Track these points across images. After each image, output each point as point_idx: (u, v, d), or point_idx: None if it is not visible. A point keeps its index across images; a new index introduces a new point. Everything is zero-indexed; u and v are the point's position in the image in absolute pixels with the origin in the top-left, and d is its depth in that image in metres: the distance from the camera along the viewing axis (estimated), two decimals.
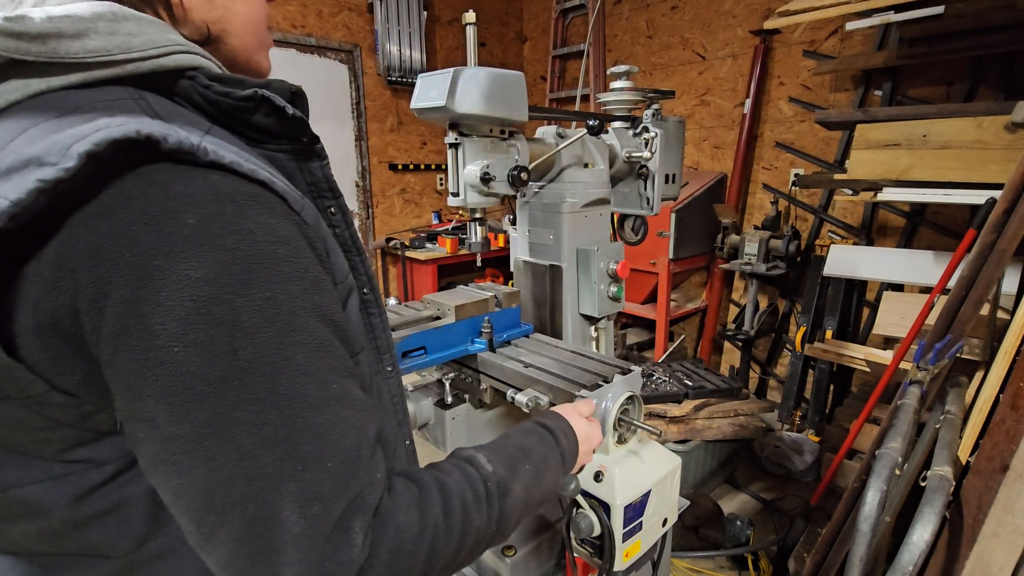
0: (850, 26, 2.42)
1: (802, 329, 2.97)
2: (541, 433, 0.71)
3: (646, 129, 1.35)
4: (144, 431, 0.41)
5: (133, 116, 0.41)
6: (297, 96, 0.54)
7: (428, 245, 4.05)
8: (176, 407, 0.39)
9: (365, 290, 0.60)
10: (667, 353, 3.43)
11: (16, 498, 0.45)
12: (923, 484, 1.15)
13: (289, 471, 0.41)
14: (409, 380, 1.16)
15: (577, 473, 0.80)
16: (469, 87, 0.89)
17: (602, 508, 0.89)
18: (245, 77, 0.52)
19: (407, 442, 0.70)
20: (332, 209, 0.58)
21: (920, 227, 2.77)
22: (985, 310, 1.55)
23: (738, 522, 2.24)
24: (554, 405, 0.97)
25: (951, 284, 1.65)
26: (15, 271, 0.39)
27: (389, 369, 0.66)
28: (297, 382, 0.43)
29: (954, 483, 1.16)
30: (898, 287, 2.72)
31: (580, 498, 0.90)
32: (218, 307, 0.40)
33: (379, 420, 0.51)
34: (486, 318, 1.14)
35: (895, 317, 2.44)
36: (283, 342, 0.42)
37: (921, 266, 2.52)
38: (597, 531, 0.90)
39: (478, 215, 1.07)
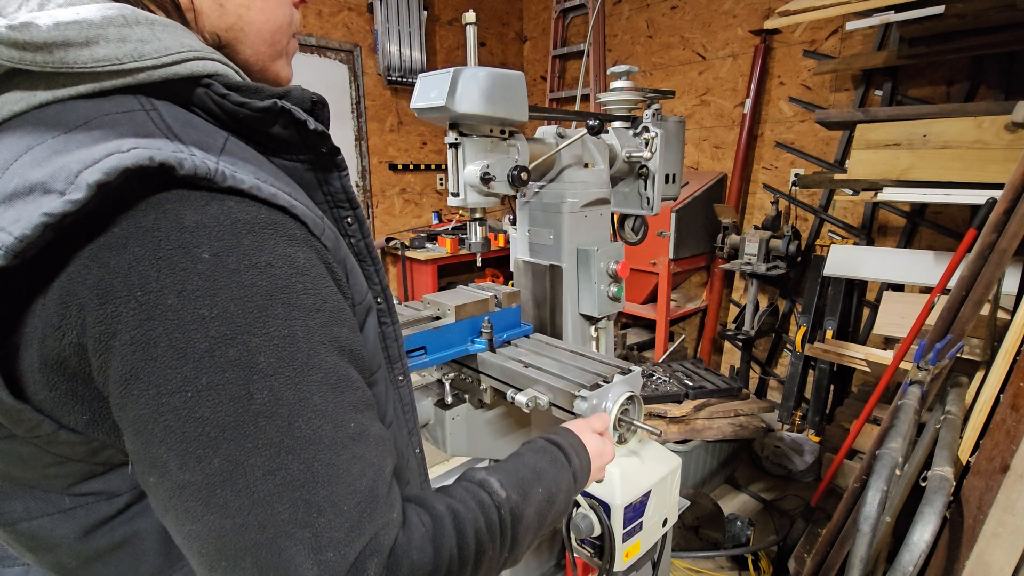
0: (850, 26, 2.42)
1: (802, 329, 2.97)
2: (554, 453, 0.69)
3: (646, 129, 1.35)
4: (155, 476, 0.39)
5: (146, 137, 0.39)
6: (318, 105, 0.51)
7: (428, 245, 4.05)
8: (188, 454, 0.38)
9: (379, 299, 0.60)
10: (667, 353, 3.43)
11: (25, 531, 0.44)
12: (923, 484, 1.15)
13: (304, 517, 0.40)
14: None
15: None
16: (469, 87, 0.89)
17: (602, 508, 0.89)
18: (263, 86, 0.49)
19: (417, 450, 0.69)
20: (349, 219, 0.57)
21: (920, 227, 2.77)
22: (985, 310, 1.55)
23: (738, 522, 2.24)
24: (554, 405, 0.97)
25: (951, 284, 1.65)
26: (20, 308, 0.37)
27: (401, 379, 0.64)
28: (314, 423, 0.41)
29: (954, 483, 1.16)
30: (898, 287, 2.72)
31: (580, 498, 0.90)
32: (233, 349, 0.38)
33: (395, 452, 0.50)
34: (486, 318, 1.14)
35: (895, 317, 2.44)
36: (300, 382, 0.41)
37: (921, 266, 2.52)
38: (597, 531, 0.90)
39: (478, 215, 1.07)
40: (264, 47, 0.56)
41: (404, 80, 4.02)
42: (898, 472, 1.22)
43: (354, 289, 0.52)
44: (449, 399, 1.17)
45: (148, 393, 0.37)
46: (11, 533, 0.44)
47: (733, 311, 3.67)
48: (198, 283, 0.37)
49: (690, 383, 2.70)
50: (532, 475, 0.62)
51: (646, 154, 1.33)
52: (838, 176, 2.46)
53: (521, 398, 0.97)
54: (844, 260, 2.75)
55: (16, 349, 0.37)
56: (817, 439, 2.89)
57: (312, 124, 0.50)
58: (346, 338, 0.46)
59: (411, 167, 4.39)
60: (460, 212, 4.41)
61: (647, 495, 0.92)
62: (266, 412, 0.39)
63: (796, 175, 3.13)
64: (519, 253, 1.35)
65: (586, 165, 1.27)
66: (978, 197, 1.95)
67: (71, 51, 0.40)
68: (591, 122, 1.08)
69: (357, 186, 4.18)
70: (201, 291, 0.37)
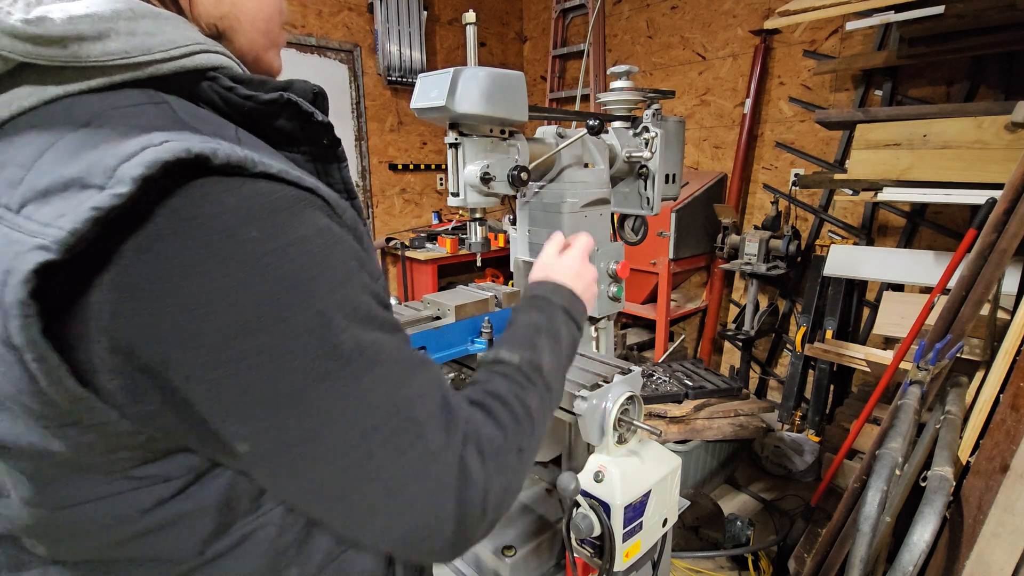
0: (850, 26, 2.42)
1: (802, 329, 2.97)
2: (537, 303, 0.72)
3: (646, 129, 1.35)
4: (254, 446, 0.41)
5: (167, 130, 0.40)
6: (319, 97, 0.52)
7: (428, 245, 4.05)
8: (288, 415, 0.40)
9: None
10: (667, 353, 3.43)
11: (82, 514, 0.44)
12: (923, 484, 1.15)
13: (412, 434, 0.45)
14: None
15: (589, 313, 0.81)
16: (469, 87, 0.89)
17: (602, 508, 0.89)
18: (267, 78, 0.50)
19: None
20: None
21: (920, 227, 2.77)
22: (985, 310, 1.55)
23: (738, 522, 2.24)
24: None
25: (951, 284, 1.65)
26: (77, 300, 0.37)
27: None
28: (392, 359, 0.46)
29: (954, 483, 1.16)
30: (898, 287, 2.72)
31: (580, 498, 0.90)
32: (304, 314, 0.40)
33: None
34: (486, 318, 1.14)
35: (895, 317, 2.44)
36: (369, 329, 0.45)
37: (921, 266, 2.52)
38: (597, 531, 0.90)
39: (478, 215, 1.07)
40: (258, 36, 0.56)
41: (404, 80, 4.02)
42: (898, 472, 1.22)
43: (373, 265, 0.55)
44: None
45: (229, 372, 0.39)
46: (54, 518, 0.44)
47: (733, 311, 3.67)
48: (254, 260, 0.39)
49: (690, 383, 2.70)
50: (530, 330, 0.67)
51: (646, 154, 1.33)
52: (838, 176, 2.46)
53: None
54: (844, 260, 2.75)
55: (80, 340, 0.38)
56: (817, 439, 2.89)
57: (319, 116, 0.51)
58: (384, 294, 0.50)
59: (411, 167, 4.39)
60: (460, 212, 4.41)
61: (647, 495, 0.92)
62: (353, 358, 0.43)
63: (796, 175, 3.13)
64: (519, 253, 1.35)
65: (586, 165, 1.27)
66: (978, 197, 1.95)
67: (84, 45, 0.40)
68: (591, 122, 1.08)
69: (357, 186, 4.18)
70: (259, 267, 0.39)
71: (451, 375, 1.18)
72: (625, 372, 1.01)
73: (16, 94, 0.41)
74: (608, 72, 1.39)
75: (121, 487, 0.44)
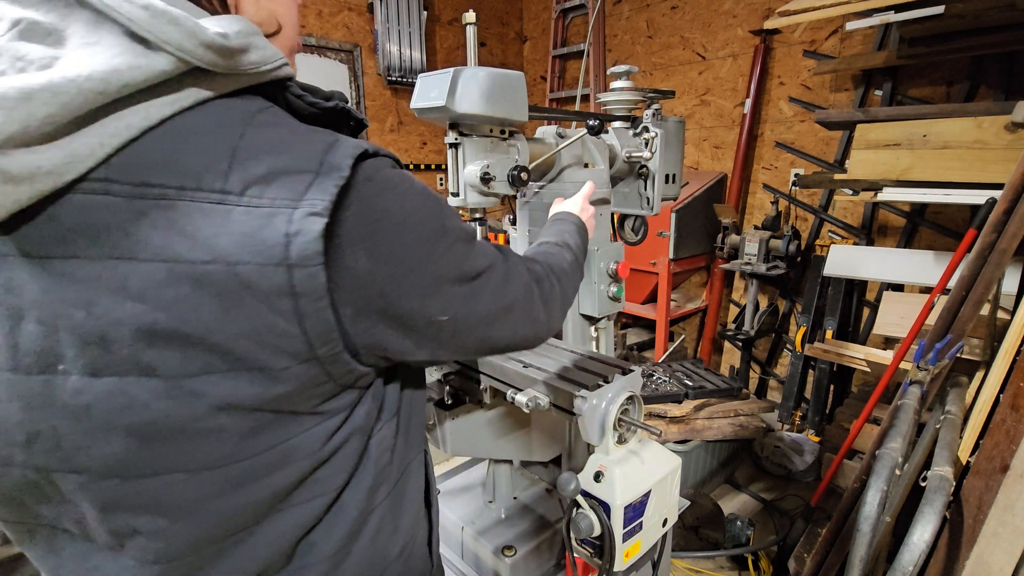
0: (850, 26, 2.42)
1: (802, 329, 2.97)
2: (559, 217, 1.03)
3: (646, 129, 1.35)
4: (447, 316, 0.57)
5: (308, 130, 0.52)
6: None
7: None
8: (463, 284, 0.58)
9: None
10: (667, 353, 3.43)
11: (282, 451, 0.52)
12: (923, 484, 1.15)
13: (529, 285, 0.70)
14: None
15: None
16: (469, 87, 0.89)
17: (602, 508, 0.89)
18: (318, 88, 0.59)
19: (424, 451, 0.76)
20: None
21: (920, 227, 2.77)
22: (985, 310, 1.55)
23: (738, 522, 2.24)
24: (554, 405, 0.97)
25: (951, 284, 1.65)
26: (330, 262, 0.48)
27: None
28: (495, 248, 0.68)
29: (954, 483, 1.16)
30: (898, 287, 2.72)
31: (580, 498, 0.90)
32: (450, 221, 0.58)
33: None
34: None
35: (895, 317, 2.44)
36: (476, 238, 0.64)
37: (921, 266, 2.52)
38: (597, 531, 0.90)
39: (478, 215, 1.07)
40: (288, 42, 0.62)
41: (404, 80, 4.02)
42: (898, 472, 1.22)
43: None
44: (449, 399, 1.17)
45: (432, 263, 0.55)
46: (272, 454, 0.52)
47: (733, 311, 3.67)
48: (424, 194, 0.56)
49: (690, 383, 2.70)
50: (559, 227, 0.99)
51: (646, 154, 1.33)
52: (838, 176, 2.46)
53: (521, 398, 0.97)
54: (844, 260, 2.75)
55: (337, 299, 0.49)
56: (817, 439, 2.89)
57: (367, 122, 0.63)
58: None
59: (411, 167, 4.39)
60: (460, 212, 4.40)
61: (647, 495, 0.92)
62: (472, 239, 0.62)
63: (796, 175, 3.13)
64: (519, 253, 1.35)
65: (586, 165, 1.27)
66: (978, 197, 1.95)
67: (239, 56, 0.48)
68: (591, 122, 1.08)
69: None
70: (427, 198, 0.56)
71: (451, 375, 1.19)
72: (625, 372, 1.01)
73: (184, 95, 0.46)
74: (608, 72, 1.39)
75: (309, 423, 0.53)
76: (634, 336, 3.89)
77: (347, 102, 0.61)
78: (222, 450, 0.50)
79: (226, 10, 0.54)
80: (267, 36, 0.58)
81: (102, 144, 0.43)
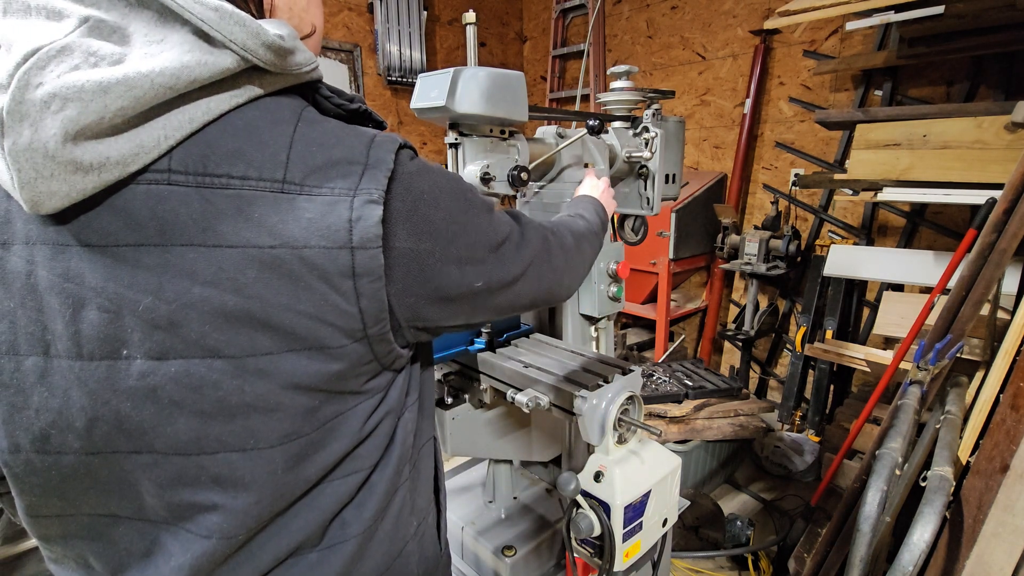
0: (850, 26, 2.42)
1: (802, 329, 2.97)
2: (580, 199, 1.06)
3: (646, 129, 1.35)
4: (482, 282, 0.61)
5: (351, 127, 0.55)
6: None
7: None
8: (492, 252, 0.63)
9: None
10: (667, 353, 3.43)
11: (331, 428, 0.55)
12: (923, 484, 1.15)
13: (547, 236, 0.76)
14: None
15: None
16: (469, 87, 0.89)
17: (602, 508, 0.89)
18: (342, 90, 0.61)
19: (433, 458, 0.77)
20: None
21: (920, 227, 2.77)
22: (985, 310, 1.55)
23: (738, 522, 2.24)
24: (554, 405, 0.97)
25: (951, 284, 1.65)
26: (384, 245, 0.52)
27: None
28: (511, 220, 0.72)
29: (954, 483, 1.16)
30: (898, 287, 2.72)
31: (580, 498, 0.90)
32: (476, 198, 0.63)
33: None
34: None
35: (895, 317, 2.44)
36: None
37: (921, 266, 2.52)
38: (597, 531, 0.90)
39: None
40: (317, 45, 0.66)
41: (404, 80, 4.01)
42: (898, 472, 1.22)
43: None
44: (449, 399, 1.17)
45: (467, 234, 0.59)
46: (320, 432, 0.54)
47: (733, 311, 3.67)
48: (454, 178, 0.61)
49: (690, 383, 2.70)
50: (580, 205, 1.03)
51: (646, 154, 1.33)
52: (838, 176, 2.46)
53: (521, 398, 0.97)
54: (844, 260, 2.75)
55: (389, 272, 0.53)
56: (817, 439, 2.89)
57: (386, 124, 0.65)
58: None
59: None
60: None
61: (647, 495, 0.92)
62: (506, 220, 0.68)
63: (796, 175, 3.13)
64: None
65: (586, 165, 1.27)
66: (978, 197, 1.95)
67: (289, 57, 0.51)
68: (591, 122, 1.08)
69: None
70: (457, 181, 0.62)
71: (451, 375, 1.19)
72: (625, 372, 1.01)
73: (239, 91, 0.49)
74: (608, 72, 1.39)
75: (352, 402, 0.56)
76: (634, 336, 3.89)
77: (365, 105, 0.64)
78: (282, 428, 0.52)
79: (262, 15, 0.56)
80: (301, 39, 0.61)
81: (167, 136, 0.45)
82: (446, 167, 0.62)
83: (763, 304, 3.35)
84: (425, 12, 3.97)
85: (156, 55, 0.45)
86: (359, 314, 0.52)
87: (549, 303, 0.79)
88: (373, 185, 0.50)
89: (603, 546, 0.90)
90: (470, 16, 0.94)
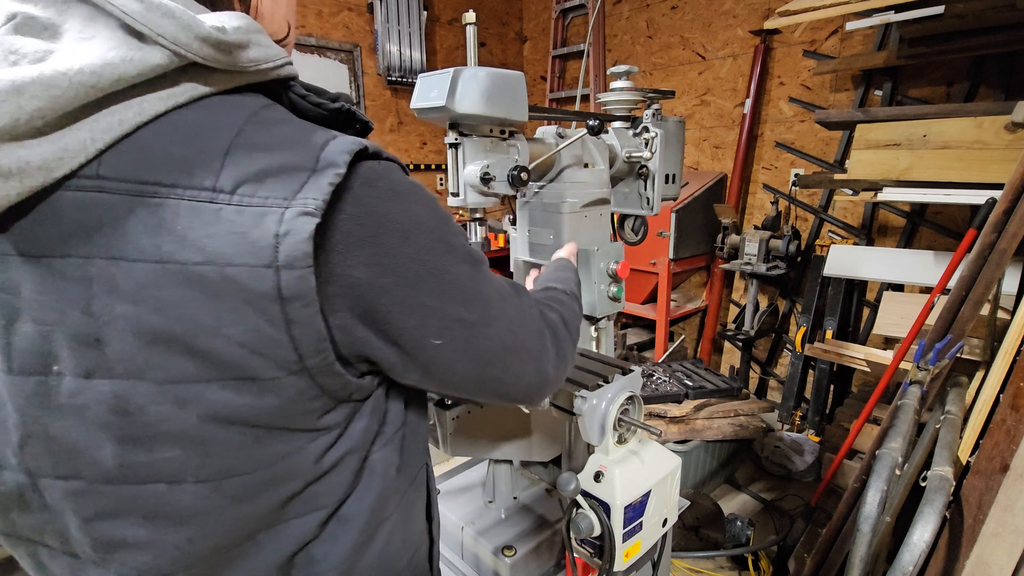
0: (850, 26, 2.42)
1: (802, 329, 2.97)
2: (557, 264, 1.01)
3: (646, 129, 1.34)
4: (442, 339, 0.54)
5: (311, 130, 0.49)
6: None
7: None
8: (462, 307, 0.55)
9: None
10: (667, 353, 3.43)
11: (274, 470, 0.50)
12: (923, 484, 1.15)
13: (533, 322, 0.66)
14: None
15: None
16: (469, 87, 0.89)
17: (602, 508, 0.89)
18: (322, 89, 0.57)
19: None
20: None
21: (920, 227, 2.77)
22: (985, 310, 1.55)
23: (738, 522, 2.24)
24: (554, 405, 0.97)
25: (951, 284, 1.65)
26: (317, 254, 0.45)
27: None
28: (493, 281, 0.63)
29: (954, 483, 1.16)
30: (898, 287, 2.72)
31: (580, 498, 0.90)
32: (454, 238, 0.56)
33: None
34: None
35: (895, 317, 2.44)
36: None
37: (921, 266, 2.52)
38: (597, 531, 0.90)
39: (478, 215, 1.07)
40: (292, 44, 0.63)
41: (404, 80, 4.02)
42: (898, 472, 1.22)
43: None
44: (449, 399, 1.17)
45: (429, 280, 0.52)
46: (266, 474, 0.50)
47: (733, 311, 3.67)
48: (427, 201, 0.54)
49: (690, 383, 2.70)
50: (561, 274, 0.94)
51: (646, 154, 1.33)
52: (838, 176, 2.46)
53: None
54: (844, 260, 2.75)
55: (319, 288, 0.46)
56: (817, 439, 2.89)
57: (372, 125, 0.60)
58: None
59: (411, 167, 4.39)
60: (460, 212, 4.41)
61: (647, 495, 0.92)
62: (478, 262, 0.59)
63: (796, 175, 3.13)
64: (519, 253, 1.35)
65: (586, 165, 1.27)
66: (978, 197, 1.95)
67: (240, 52, 0.47)
68: (591, 122, 1.08)
69: None
70: (430, 205, 0.54)
71: None
72: (625, 372, 1.01)
73: (180, 90, 0.45)
74: (608, 72, 1.39)
75: (305, 440, 0.51)
76: (634, 336, 3.89)
77: (353, 104, 0.59)
78: (214, 464, 0.48)
79: (217, 7, 0.53)
80: (278, 41, 0.58)
81: (93, 139, 0.42)
82: (421, 191, 0.54)
83: (763, 304, 3.35)
84: (425, 12, 3.97)
85: (80, 52, 0.42)
86: (290, 343, 0.46)
87: (523, 403, 0.71)
88: (313, 194, 0.44)
89: (603, 546, 0.90)
90: (470, 16, 0.94)
